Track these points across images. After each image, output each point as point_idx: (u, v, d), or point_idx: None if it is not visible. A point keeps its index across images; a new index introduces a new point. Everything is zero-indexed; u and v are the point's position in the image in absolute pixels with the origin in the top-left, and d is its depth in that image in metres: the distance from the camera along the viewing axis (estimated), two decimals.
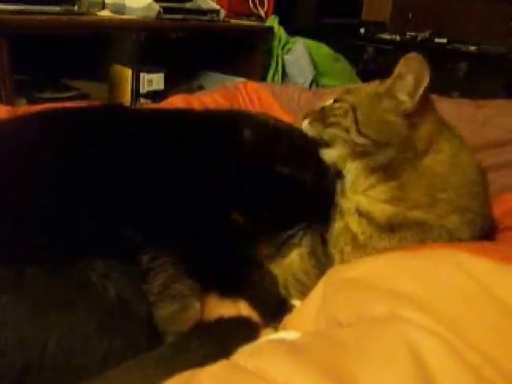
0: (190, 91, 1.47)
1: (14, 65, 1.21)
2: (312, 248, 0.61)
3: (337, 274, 0.47)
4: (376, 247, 0.57)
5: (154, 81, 1.56)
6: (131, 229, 0.50)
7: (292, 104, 1.12)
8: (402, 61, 0.59)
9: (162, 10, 1.45)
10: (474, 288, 0.35)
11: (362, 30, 2.42)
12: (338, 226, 0.61)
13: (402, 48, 2.15)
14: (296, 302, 0.58)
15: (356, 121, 0.59)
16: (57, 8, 1.23)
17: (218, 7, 1.69)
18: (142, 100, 1.54)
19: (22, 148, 0.53)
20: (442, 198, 0.56)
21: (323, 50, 1.86)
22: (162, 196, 0.54)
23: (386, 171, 0.58)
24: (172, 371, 0.39)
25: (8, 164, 0.50)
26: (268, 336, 0.50)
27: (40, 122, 0.57)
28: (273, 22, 1.81)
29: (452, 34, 2.16)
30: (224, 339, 0.47)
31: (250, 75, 1.72)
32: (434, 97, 0.64)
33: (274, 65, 1.77)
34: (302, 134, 0.65)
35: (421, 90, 0.57)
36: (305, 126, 0.66)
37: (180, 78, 1.79)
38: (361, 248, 0.58)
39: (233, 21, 1.79)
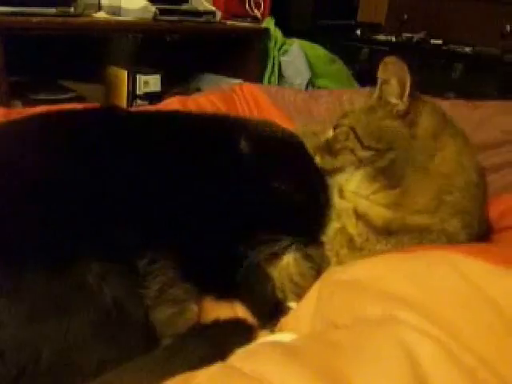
0: (187, 93, 1.47)
1: (10, 66, 1.21)
2: (308, 251, 0.61)
3: (332, 276, 0.47)
4: (372, 250, 0.57)
5: (150, 82, 1.56)
6: (128, 232, 0.50)
7: (288, 105, 1.12)
8: (381, 67, 0.60)
9: (157, 12, 1.45)
10: (468, 290, 0.35)
11: (358, 32, 2.43)
12: (333, 227, 0.61)
13: (398, 49, 2.15)
14: (292, 304, 0.58)
15: (358, 138, 0.61)
16: (52, 10, 1.23)
17: (214, 9, 1.69)
18: (139, 102, 1.54)
19: (19, 150, 0.53)
20: (447, 201, 0.57)
21: (319, 51, 1.87)
22: (159, 200, 0.54)
23: (389, 177, 0.58)
24: (168, 374, 0.39)
25: (3, 165, 0.50)
26: (264, 338, 0.50)
27: (36, 125, 0.57)
28: (269, 23, 1.81)
29: (447, 36, 2.17)
30: (220, 341, 0.47)
31: (246, 77, 1.72)
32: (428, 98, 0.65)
33: (270, 66, 1.78)
34: (296, 145, 0.65)
35: (407, 90, 0.59)
36: (319, 162, 0.66)
37: (177, 80, 1.79)
38: (357, 250, 0.59)
39: (229, 22, 1.80)
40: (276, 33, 1.78)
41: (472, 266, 0.37)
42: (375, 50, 2.26)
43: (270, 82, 1.77)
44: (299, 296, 0.56)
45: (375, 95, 0.63)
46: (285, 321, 0.52)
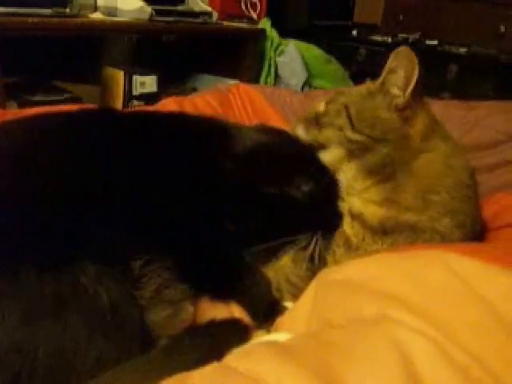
0: (183, 93, 1.47)
1: (6, 67, 1.20)
2: (304, 251, 0.61)
3: (328, 275, 0.47)
4: (369, 250, 0.58)
5: (146, 83, 1.56)
6: (123, 234, 0.50)
7: (284, 106, 1.12)
8: (392, 55, 0.60)
9: (154, 13, 1.45)
10: (462, 289, 0.35)
11: (354, 32, 2.44)
12: None
13: (394, 49, 2.15)
14: (288, 304, 0.58)
15: (349, 118, 0.60)
16: (48, 10, 1.23)
17: (210, 9, 1.69)
18: (135, 102, 1.54)
19: (13, 151, 0.52)
20: (435, 201, 0.57)
21: (315, 51, 1.87)
22: (154, 201, 0.54)
23: (381, 173, 0.58)
24: (164, 374, 0.39)
25: None
26: (260, 338, 0.50)
27: (30, 127, 0.57)
28: (265, 24, 1.81)
29: (442, 36, 2.18)
30: (216, 342, 0.47)
31: (242, 77, 1.72)
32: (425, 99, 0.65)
33: (266, 67, 1.78)
34: (292, 146, 0.63)
35: (412, 84, 0.58)
36: (299, 131, 0.66)
37: (173, 80, 1.79)
38: (353, 250, 0.59)
39: (225, 23, 1.80)
40: (272, 33, 1.79)
41: (466, 265, 0.37)
42: (371, 50, 2.27)
43: (266, 83, 1.78)
44: (295, 296, 0.56)
45: (378, 82, 0.62)
46: (281, 320, 0.52)
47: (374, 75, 0.66)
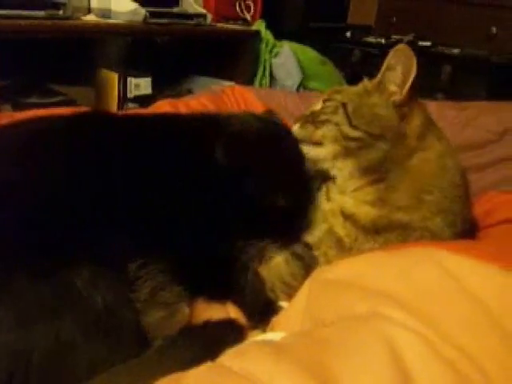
0: (178, 95, 1.47)
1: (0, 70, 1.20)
2: (297, 251, 0.61)
3: (321, 274, 0.47)
4: (361, 249, 0.58)
5: (141, 85, 1.56)
6: (118, 236, 0.50)
7: (278, 107, 1.13)
8: (391, 52, 0.60)
9: (148, 15, 1.45)
10: (452, 286, 0.36)
11: (348, 34, 2.45)
12: (321, 228, 0.62)
13: (388, 51, 2.17)
14: (283, 304, 0.59)
15: (347, 115, 0.60)
16: (42, 13, 1.23)
17: (204, 11, 1.69)
18: (130, 105, 1.53)
19: (6, 156, 0.53)
20: (428, 200, 0.58)
21: (310, 53, 1.88)
22: (148, 204, 0.54)
23: (376, 172, 0.59)
24: (159, 375, 0.39)
25: None
26: (254, 337, 0.50)
27: (24, 131, 0.57)
28: (260, 26, 1.82)
29: (435, 38, 2.20)
30: (211, 342, 0.47)
31: (237, 79, 1.73)
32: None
33: (261, 68, 1.79)
34: (280, 146, 0.63)
35: (409, 81, 0.59)
36: (295, 129, 0.66)
37: (168, 82, 1.79)
38: (346, 251, 0.59)
39: (219, 25, 1.80)
40: (267, 35, 1.79)
41: (456, 263, 0.38)
42: (365, 52, 2.28)
43: (261, 84, 1.78)
44: (290, 296, 0.57)
45: (375, 81, 0.63)
46: (276, 320, 0.53)
47: (368, 76, 0.66)
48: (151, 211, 0.54)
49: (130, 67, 1.62)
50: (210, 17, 1.70)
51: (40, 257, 0.45)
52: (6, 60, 1.23)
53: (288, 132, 0.66)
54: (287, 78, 1.79)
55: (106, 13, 1.43)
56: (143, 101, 1.52)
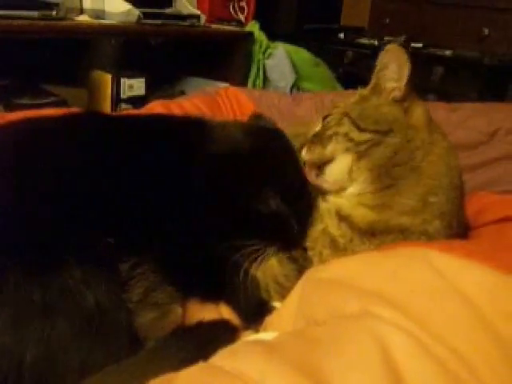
0: (172, 96, 1.47)
1: None
2: (291, 252, 0.61)
3: (313, 274, 0.48)
4: (356, 250, 0.57)
5: (134, 86, 1.56)
6: (111, 237, 0.50)
7: (272, 108, 1.14)
8: (382, 53, 0.61)
9: (141, 16, 1.45)
10: (441, 285, 0.36)
11: (341, 35, 2.46)
12: (316, 228, 0.62)
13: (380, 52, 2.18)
14: (277, 304, 0.59)
15: (353, 121, 0.60)
16: (34, 13, 1.22)
17: (198, 12, 1.69)
18: (123, 106, 1.53)
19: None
20: (432, 203, 0.57)
21: (303, 54, 1.89)
22: (141, 204, 0.54)
23: (388, 176, 0.58)
24: (151, 375, 0.39)
25: None
26: (246, 337, 0.50)
27: (16, 132, 0.57)
28: (253, 27, 1.82)
29: (427, 39, 2.22)
30: (203, 343, 0.47)
31: (231, 80, 1.73)
32: None
33: (255, 69, 1.79)
34: (273, 152, 0.62)
35: (406, 75, 0.60)
36: (303, 155, 0.64)
37: (161, 83, 1.79)
38: (340, 251, 0.59)
39: (213, 26, 1.80)
40: (260, 36, 1.80)
41: (446, 262, 0.38)
42: (358, 53, 2.30)
43: (254, 85, 1.79)
44: (283, 296, 0.57)
45: (369, 86, 0.63)
46: (269, 320, 0.53)
47: (361, 77, 0.66)
48: (142, 212, 0.54)
49: (123, 68, 1.61)
50: (203, 18, 1.70)
51: (32, 257, 0.45)
52: None
53: (279, 135, 0.66)
54: (281, 79, 1.79)
55: (99, 13, 1.43)
56: (136, 102, 1.52)
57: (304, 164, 0.64)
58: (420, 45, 2.21)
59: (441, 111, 1.07)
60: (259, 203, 0.57)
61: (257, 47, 1.79)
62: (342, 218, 0.60)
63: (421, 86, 1.99)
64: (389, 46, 0.61)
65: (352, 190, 0.60)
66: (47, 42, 1.39)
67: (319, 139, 0.63)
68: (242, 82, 1.75)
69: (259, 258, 0.58)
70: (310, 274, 0.49)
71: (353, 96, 0.67)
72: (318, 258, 0.61)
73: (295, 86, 1.82)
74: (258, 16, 1.97)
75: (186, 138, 0.62)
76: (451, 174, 0.60)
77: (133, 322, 0.49)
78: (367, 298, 0.36)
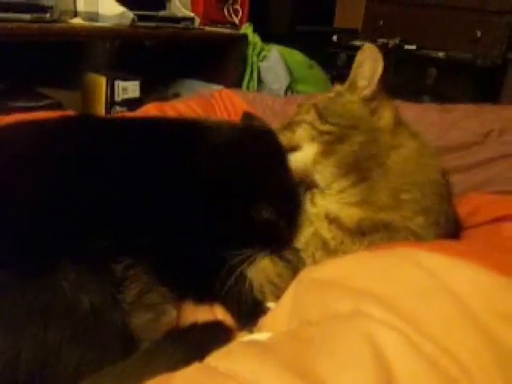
0: (166, 98, 1.47)
1: None
2: (284, 253, 0.62)
3: (307, 275, 0.48)
4: (347, 251, 0.58)
5: (129, 89, 1.56)
6: (105, 238, 0.50)
7: (266, 111, 1.14)
8: (359, 52, 0.65)
9: (135, 18, 1.45)
10: (430, 283, 0.37)
11: (335, 38, 2.47)
12: (307, 232, 0.62)
13: None
14: (271, 305, 0.59)
15: (318, 112, 0.63)
16: (27, 16, 1.22)
17: (192, 15, 1.69)
18: (118, 108, 1.53)
19: None
20: (406, 199, 0.58)
21: (298, 56, 1.90)
22: (135, 206, 0.54)
23: (357, 169, 0.60)
24: (146, 377, 0.39)
25: None
26: (241, 338, 0.51)
27: (9, 135, 0.57)
28: (247, 29, 1.83)
29: (421, 41, 2.23)
30: (198, 344, 0.48)
31: (225, 82, 1.73)
32: (401, 103, 0.68)
33: (249, 72, 1.80)
34: (265, 158, 0.63)
35: (377, 75, 0.63)
36: None
37: (156, 86, 1.79)
38: (332, 253, 0.59)
39: (207, 28, 1.81)
40: (254, 39, 1.80)
41: (436, 261, 0.39)
42: (352, 56, 2.30)
43: (248, 87, 1.79)
44: (278, 296, 0.57)
45: (347, 82, 0.66)
46: (263, 321, 0.53)
47: None
48: (136, 213, 0.54)
49: (117, 71, 1.61)
50: (197, 20, 1.71)
51: (25, 259, 0.45)
52: None
53: (270, 138, 0.67)
54: (275, 82, 1.80)
55: (93, 16, 1.43)
56: (131, 104, 1.51)
57: None
58: (413, 47, 2.23)
59: (434, 113, 1.08)
60: (250, 209, 0.58)
61: (250, 49, 1.80)
62: (332, 220, 0.61)
63: (415, 87, 2.01)
64: (365, 46, 0.64)
65: (328, 187, 0.62)
66: (41, 45, 1.39)
67: (290, 125, 0.67)
68: (237, 85, 1.75)
69: (252, 259, 0.59)
70: (303, 275, 0.49)
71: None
72: (311, 260, 0.61)
73: (289, 89, 1.83)
74: (252, 18, 1.97)
75: (179, 141, 0.62)
76: (424, 170, 0.61)
77: (128, 323, 0.49)
78: (359, 298, 0.37)
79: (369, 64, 0.63)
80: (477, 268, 0.39)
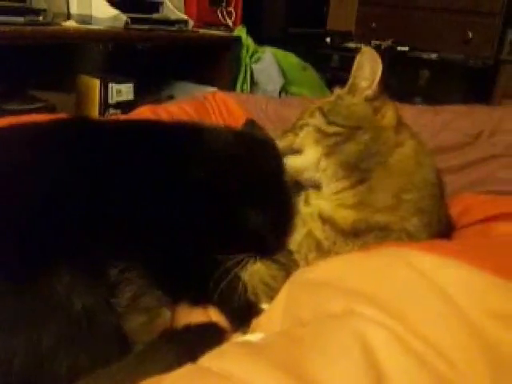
0: (160, 101, 1.48)
1: None
2: (277, 256, 0.62)
3: (300, 275, 0.49)
4: (340, 252, 0.59)
5: (123, 91, 1.55)
6: (100, 242, 0.50)
7: (260, 113, 1.14)
8: (358, 54, 0.65)
9: (129, 21, 1.45)
10: (420, 282, 0.37)
11: (328, 39, 2.49)
12: (300, 232, 0.63)
13: None
14: (265, 306, 0.59)
15: (323, 114, 0.64)
16: (21, 19, 1.21)
17: (186, 17, 1.70)
18: (112, 111, 1.53)
19: None
20: (406, 200, 0.59)
21: (291, 58, 1.91)
22: (129, 209, 0.54)
23: (359, 170, 0.60)
24: (140, 378, 0.39)
25: None
26: (235, 339, 0.51)
27: (2, 139, 0.57)
28: (241, 31, 1.83)
29: (413, 43, 2.25)
30: (191, 345, 0.48)
31: (219, 84, 1.74)
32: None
33: (242, 74, 1.80)
34: (260, 167, 0.63)
35: (377, 77, 0.64)
36: (278, 143, 0.67)
37: (150, 88, 1.79)
38: (325, 253, 0.60)
39: (201, 31, 1.81)
40: (248, 41, 1.81)
41: (425, 260, 0.39)
42: (345, 57, 2.32)
43: (242, 90, 1.80)
44: (271, 297, 0.57)
45: (347, 86, 0.67)
46: (257, 322, 0.53)
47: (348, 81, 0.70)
48: (131, 217, 0.54)
49: (111, 73, 1.61)
50: (191, 23, 1.71)
51: (20, 262, 0.45)
52: None
53: (268, 145, 0.67)
54: (269, 84, 1.80)
55: (86, 19, 1.42)
56: (125, 107, 1.51)
57: None
58: (406, 48, 2.24)
59: (427, 113, 1.09)
60: (243, 215, 0.59)
61: (244, 52, 1.80)
62: (325, 220, 0.61)
63: (408, 88, 2.03)
64: (364, 48, 0.65)
65: (327, 187, 0.62)
66: (35, 48, 1.39)
67: (292, 128, 0.67)
68: (230, 87, 1.76)
69: (245, 261, 0.59)
70: (296, 276, 0.50)
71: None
72: (304, 261, 0.62)
73: (283, 90, 1.84)
74: (245, 20, 1.98)
75: (174, 145, 0.62)
76: (423, 171, 0.62)
77: (122, 326, 0.49)
78: (351, 298, 0.37)
79: (369, 65, 0.64)
80: (468, 267, 0.39)
